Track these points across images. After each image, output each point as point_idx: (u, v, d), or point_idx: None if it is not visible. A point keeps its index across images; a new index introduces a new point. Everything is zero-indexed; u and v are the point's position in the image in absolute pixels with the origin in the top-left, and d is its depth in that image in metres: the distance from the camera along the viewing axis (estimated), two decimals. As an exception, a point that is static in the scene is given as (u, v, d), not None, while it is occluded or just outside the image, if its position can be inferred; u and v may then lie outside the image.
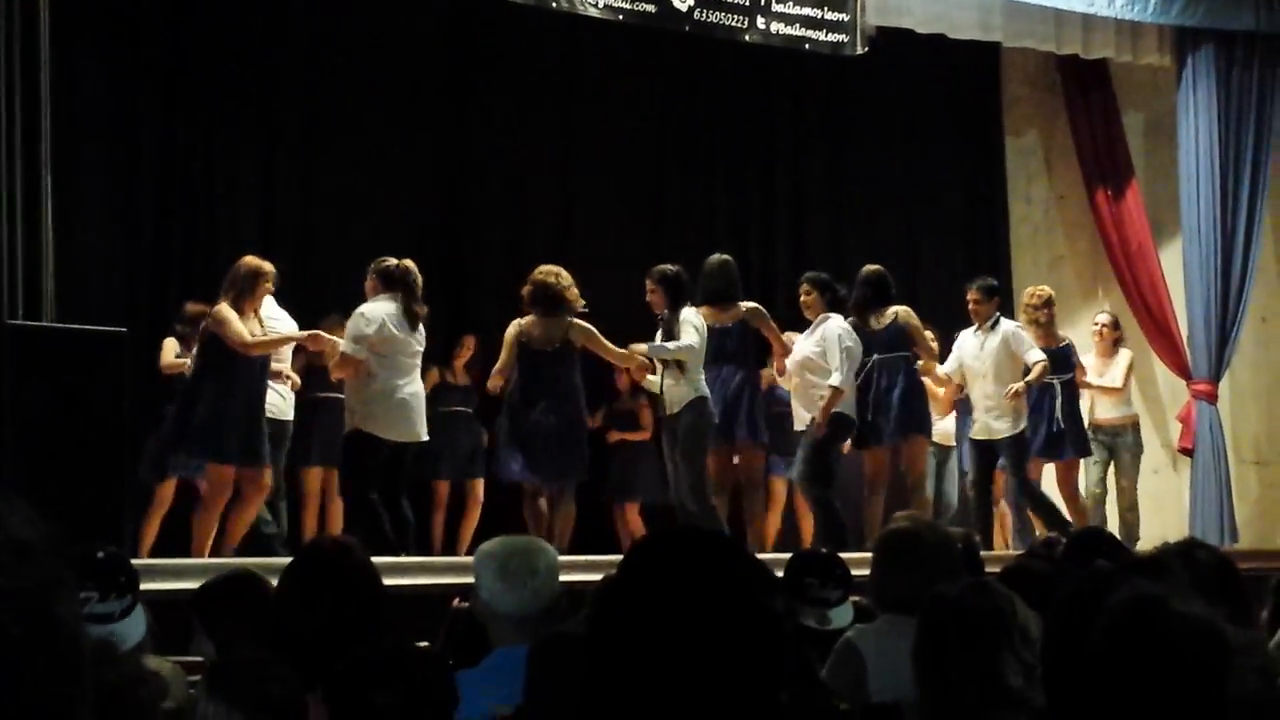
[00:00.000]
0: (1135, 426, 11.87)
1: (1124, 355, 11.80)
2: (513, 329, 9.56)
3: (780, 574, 5.09)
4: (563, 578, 4.24)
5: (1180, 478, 12.71)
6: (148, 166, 11.07)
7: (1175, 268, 12.76)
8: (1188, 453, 12.51)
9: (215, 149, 11.38)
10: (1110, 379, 11.72)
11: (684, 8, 10.60)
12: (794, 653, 4.44)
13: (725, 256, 10.43)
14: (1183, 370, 12.69)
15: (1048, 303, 11.36)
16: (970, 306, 10.87)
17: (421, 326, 9.19)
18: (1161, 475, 13.00)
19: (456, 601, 5.26)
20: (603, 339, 9.68)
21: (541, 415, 9.47)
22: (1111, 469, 11.75)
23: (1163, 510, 12.07)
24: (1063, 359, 11.27)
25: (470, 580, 4.24)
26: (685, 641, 2.03)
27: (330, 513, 10.36)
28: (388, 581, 3.94)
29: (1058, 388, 11.17)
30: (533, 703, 3.61)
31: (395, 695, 3.37)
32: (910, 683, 3.77)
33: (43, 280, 8.04)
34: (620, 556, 2.23)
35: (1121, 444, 11.73)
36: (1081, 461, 11.50)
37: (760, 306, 10.41)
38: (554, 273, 9.58)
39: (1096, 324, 12.01)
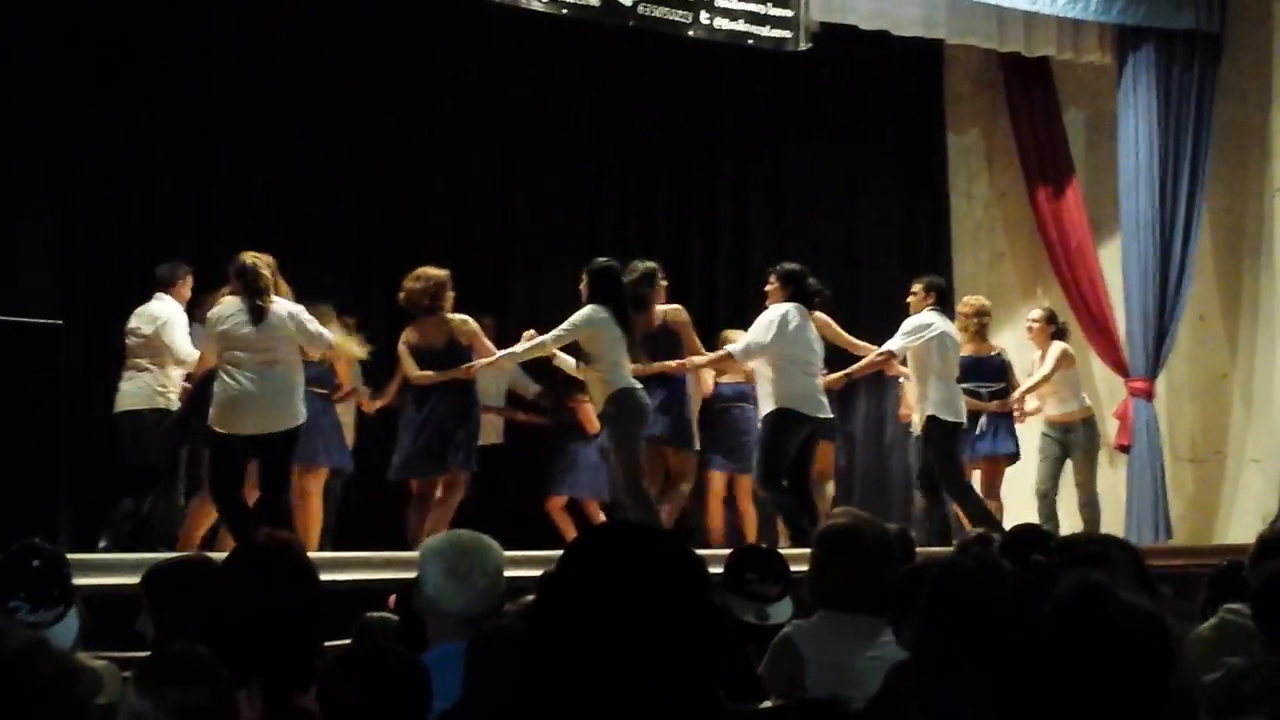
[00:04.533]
0: (1087, 421, 11.85)
1: (1054, 347, 11.69)
2: (401, 344, 9.65)
3: (720, 569, 5.10)
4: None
5: (1117, 474, 12.77)
6: (84, 158, 10.95)
7: (1114, 265, 12.82)
8: (1125, 449, 12.59)
9: (153, 140, 11.27)
10: (1038, 372, 11.72)
11: (628, 2, 10.57)
12: (732, 648, 4.44)
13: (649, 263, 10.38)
14: (1120, 367, 12.75)
15: (978, 312, 11.52)
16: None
17: (269, 320, 8.72)
18: (1098, 471, 13.07)
19: (370, 614, 5.22)
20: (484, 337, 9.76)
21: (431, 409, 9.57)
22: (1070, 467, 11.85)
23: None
24: (991, 368, 11.49)
25: (407, 576, 4.21)
26: (623, 635, 2.03)
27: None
28: (324, 577, 3.90)
29: (984, 394, 11.38)
30: (472, 696, 3.60)
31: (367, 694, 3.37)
32: (846, 679, 3.76)
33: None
34: (559, 552, 2.23)
35: (1072, 440, 11.78)
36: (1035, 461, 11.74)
37: (681, 308, 10.42)
38: (420, 276, 9.64)
39: (1027, 320, 12.07)
